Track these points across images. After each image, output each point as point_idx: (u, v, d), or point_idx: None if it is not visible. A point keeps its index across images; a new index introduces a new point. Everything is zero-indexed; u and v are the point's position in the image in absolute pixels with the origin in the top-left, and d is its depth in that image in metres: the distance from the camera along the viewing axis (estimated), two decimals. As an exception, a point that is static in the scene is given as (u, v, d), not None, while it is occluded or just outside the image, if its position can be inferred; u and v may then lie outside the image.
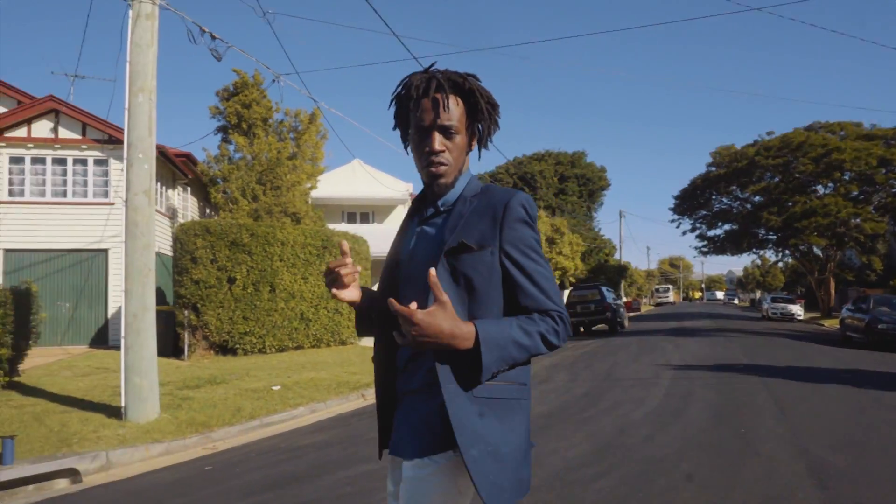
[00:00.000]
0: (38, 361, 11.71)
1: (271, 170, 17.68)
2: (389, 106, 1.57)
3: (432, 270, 1.31)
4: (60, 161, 15.25)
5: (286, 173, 18.01)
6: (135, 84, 7.09)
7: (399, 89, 1.53)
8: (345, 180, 26.78)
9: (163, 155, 15.87)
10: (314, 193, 22.45)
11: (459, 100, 1.48)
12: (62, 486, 5.34)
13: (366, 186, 26.57)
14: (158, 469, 5.53)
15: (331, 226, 21.90)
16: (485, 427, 1.36)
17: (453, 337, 1.31)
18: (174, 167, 17.41)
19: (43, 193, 15.27)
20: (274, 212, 17.22)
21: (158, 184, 16.80)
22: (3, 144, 15.08)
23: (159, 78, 7.46)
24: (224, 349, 12.78)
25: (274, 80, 9.83)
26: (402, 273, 1.55)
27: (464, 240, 1.41)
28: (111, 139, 14.93)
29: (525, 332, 1.37)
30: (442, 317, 1.29)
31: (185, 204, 19.38)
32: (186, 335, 12.36)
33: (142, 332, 6.98)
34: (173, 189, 18.31)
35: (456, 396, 1.35)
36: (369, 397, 9.13)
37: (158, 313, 13.63)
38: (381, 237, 24.66)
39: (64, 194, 15.28)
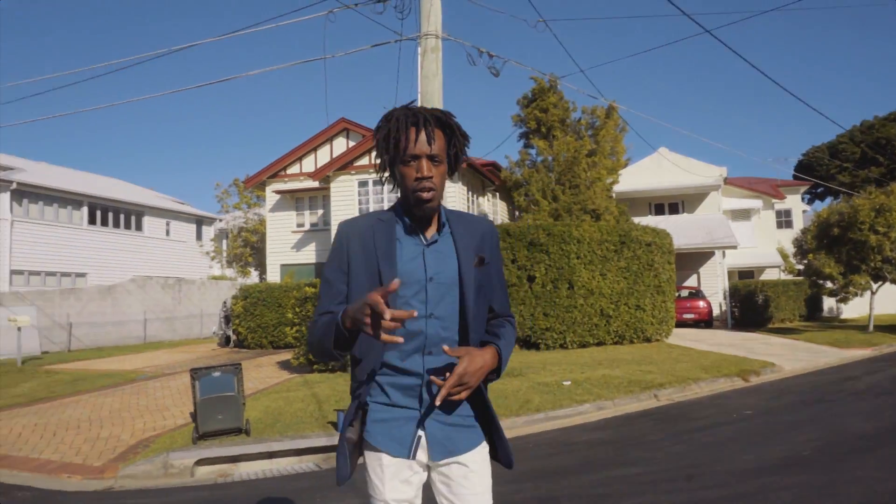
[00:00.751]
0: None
1: (569, 169, 18.11)
2: (374, 137, 1.73)
3: (445, 347, 1.60)
4: (393, 181, 18.12)
5: (584, 170, 18.25)
6: (426, 111, 8.10)
7: (383, 123, 1.70)
8: (650, 171, 25.88)
9: (471, 166, 17.59)
10: (617, 188, 22.21)
11: (440, 133, 1.68)
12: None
13: (673, 175, 25.26)
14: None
15: (636, 219, 21.41)
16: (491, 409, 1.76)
17: (486, 365, 1.65)
18: (482, 176, 19.09)
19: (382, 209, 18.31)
20: (573, 210, 17.60)
21: (469, 192, 18.66)
22: (353, 172, 18.56)
23: (452, 100, 8.39)
24: (528, 343, 13.58)
25: (551, 85, 10.11)
26: (422, 290, 1.68)
27: (483, 255, 1.76)
28: (429, 157, 17.17)
29: (510, 344, 1.79)
30: (476, 355, 1.61)
31: (495, 209, 21.08)
32: (493, 330, 13.49)
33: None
34: (483, 196, 20.09)
35: (483, 390, 1.74)
36: (662, 398, 8.77)
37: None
38: (688, 228, 23.21)
39: (397, 208, 18.10)
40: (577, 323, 13.61)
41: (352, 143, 19.90)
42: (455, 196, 17.41)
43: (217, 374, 6.75)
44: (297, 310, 10.96)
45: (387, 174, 1.75)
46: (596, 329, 13.81)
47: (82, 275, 24.30)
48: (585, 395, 8.35)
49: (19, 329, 13.47)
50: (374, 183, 18.45)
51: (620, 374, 10.05)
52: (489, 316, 1.82)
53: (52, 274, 23.28)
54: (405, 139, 1.64)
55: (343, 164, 18.63)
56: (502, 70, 8.60)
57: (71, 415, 8.12)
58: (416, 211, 1.68)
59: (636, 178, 25.42)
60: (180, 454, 6.03)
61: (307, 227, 21.16)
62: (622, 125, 19.45)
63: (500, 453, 1.78)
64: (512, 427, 7.10)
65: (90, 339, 17.89)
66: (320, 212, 21.10)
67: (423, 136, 1.64)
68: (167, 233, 28.84)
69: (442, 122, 1.69)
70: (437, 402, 1.53)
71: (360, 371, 1.70)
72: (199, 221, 31.19)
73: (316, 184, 19.89)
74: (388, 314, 1.38)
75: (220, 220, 31.35)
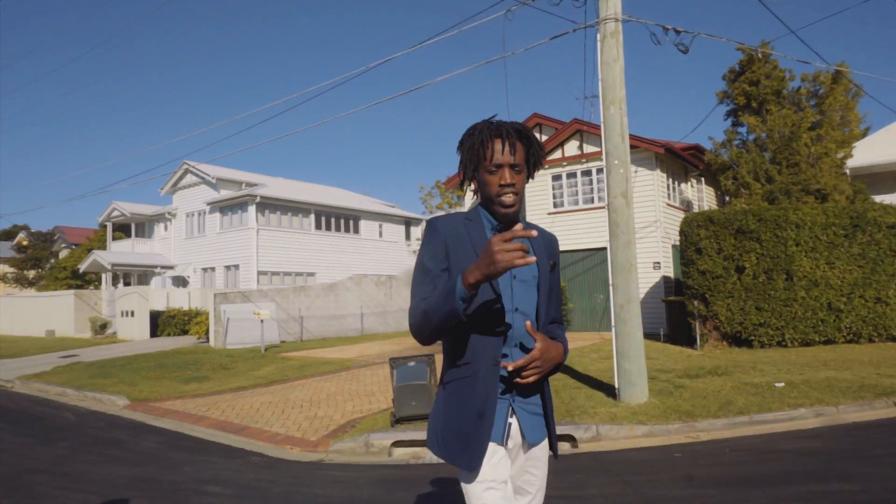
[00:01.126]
0: (577, 344, 13.96)
1: (787, 145, 16.15)
2: (458, 149, 1.90)
3: (528, 323, 1.74)
4: (586, 173, 17.75)
5: (806, 146, 16.14)
6: (606, 98, 7.86)
7: (467, 136, 1.87)
8: (898, 140, 21.99)
9: (670, 151, 16.55)
10: (852, 163, 19.30)
11: (520, 144, 1.83)
12: (565, 447, 6.42)
13: (929, 142, 21.17)
14: (636, 448, 6.02)
15: (878, 198, 18.41)
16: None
17: (557, 357, 1.82)
18: (684, 161, 17.86)
19: (576, 202, 18.06)
20: (792, 191, 15.67)
21: (670, 179, 17.57)
22: (546, 167, 18.54)
23: (635, 84, 8.02)
24: (737, 340, 12.43)
25: (758, 51, 9.09)
26: (510, 284, 1.84)
27: (555, 262, 1.97)
28: (623, 146, 16.46)
29: (567, 345, 1.94)
30: (551, 345, 1.78)
31: (700, 195, 19.58)
32: (697, 325, 12.58)
33: (628, 322, 7.63)
34: (686, 182, 18.78)
35: (548, 385, 1.92)
36: (904, 407, 7.46)
37: (672, 303, 14.32)
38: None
39: (591, 201, 17.70)
40: (798, 318, 12.11)
41: (544, 138, 19.91)
42: (653, 184, 16.53)
43: (412, 363, 7.26)
44: (490, 304, 11.29)
45: (470, 182, 1.92)
46: (822, 325, 12.16)
47: (312, 274, 27.59)
48: (801, 399, 7.43)
49: (262, 321, 15.75)
50: (568, 176, 18.26)
51: (850, 377, 8.75)
52: (553, 319, 2.01)
53: (289, 274, 26.80)
54: (490, 150, 1.80)
55: (535, 160, 18.70)
56: (691, 46, 8.02)
57: (297, 396, 9.32)
58: (499, 214, 1.84)
59: (879, 149, 21.72)
60: (380, 435, 6.61)
61: (503, 223, 21.65)
62: (854, 90, 16.84)
63: (551, 443, 1.97)
64: (709, 429, 6.60)
65: (317, 331, 20.27)
66: (516, 208, 21.44)
67: (506, 146, 1.79)
68: (380, 234, 31.49)
69: (521, 134, 1.84)
70: (510, 368, 1.71)
71: (469, 368, 1.81)
72: (408, 222, 33.55)
73: (510, 180, 20.25)
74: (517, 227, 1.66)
75: (426, 221, 33.40)
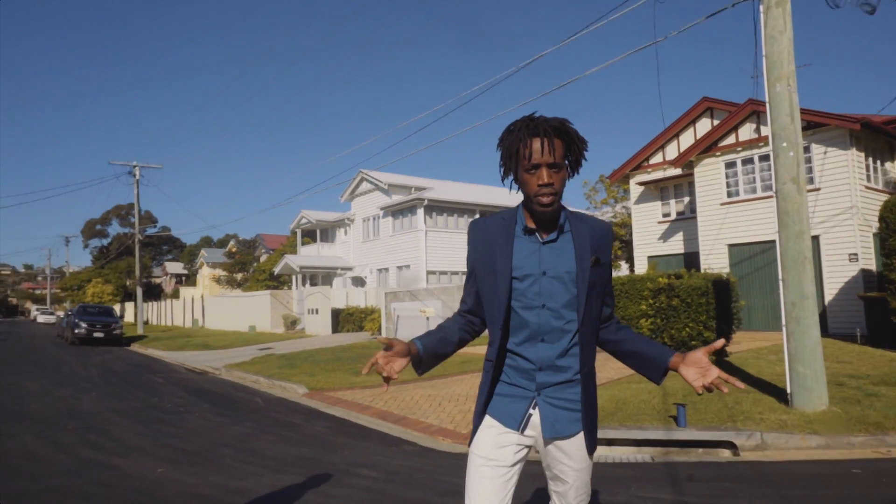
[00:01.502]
0: (754, 345, 12.80)
1: None
2: (498, 147, 1.90)
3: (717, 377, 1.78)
4: (764, 157, 16.15)
5: None
6: (772, 74, 7.15)
7: (506, 135, 1.87)
8: None
9: (867, 126, 14.50)
10: None
11: (559, 141, 1.80)
12: (725, 455, 5.97)
13: None
14: (807, 460, 5.42)
15: None
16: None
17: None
18: (887, 136, 15.54)
19: (754, 190, 16.53)
20: None
21: (869, 158, 15.40)
22: (718, 154, 17.20)
23: (810, 56, 7.22)
24: (959, 343, 10.56)
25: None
26: (536, 282, 1.85)
27: (598, 256, 1.88)
28: (809, 125, 14.73)
29: None
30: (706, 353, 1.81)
31: (912, 175, 16.88)
32: (903, 325, 10.90)
33: (801, 321, 6.87)
34: (892, 161, 16.31)
35: (592, 383, 1.92)
36: None
37: (872, 300, 12.57)
38: None
39: (771, 188, 16.06)
40: None
41: (716, 122, 18.47)
42: (848, 165, 14.58)
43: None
44: (651, 301, 10.78)
45: (511, 180, 1.93)
46: None
47: (477, 273, 28.23)
48: None
49: (427, 318, 16.51)
50: (744, 162, 16.77)
51: None
52: (606, 317, 1.99)
53: (455, 273, 27.71)
54: (528, 149, 1.80)
55: (706, 147, 17.42)
56: (879, 5, 7.05)
57: (454, 390, 9.66)
58: (538, 213, 1.85)
59: None
60: (526, 431, 6.64)
61: (673, 216, 20.44)
62: None
63: (587, 441, 1.90)
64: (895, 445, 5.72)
65: (481, 328, 20.76)
66: (686, 199, 20.14)
67: (544, 146, 1.78)
68: (544, 232, 31.31)
69: (560, 130, 1.81)
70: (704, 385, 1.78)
71: (490, 353, 1.92)
72: (572, 219, 32.93)
73: (679, 171, 19.08)
74: (384, 373, 1.77)
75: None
